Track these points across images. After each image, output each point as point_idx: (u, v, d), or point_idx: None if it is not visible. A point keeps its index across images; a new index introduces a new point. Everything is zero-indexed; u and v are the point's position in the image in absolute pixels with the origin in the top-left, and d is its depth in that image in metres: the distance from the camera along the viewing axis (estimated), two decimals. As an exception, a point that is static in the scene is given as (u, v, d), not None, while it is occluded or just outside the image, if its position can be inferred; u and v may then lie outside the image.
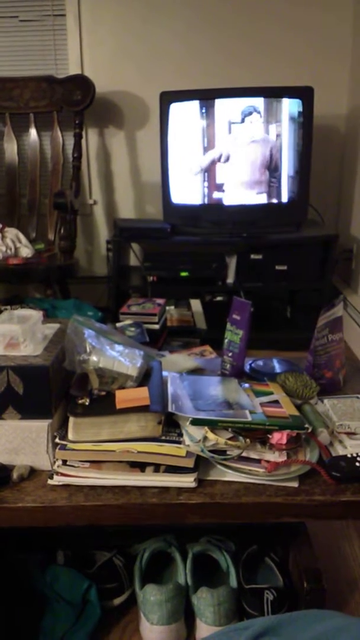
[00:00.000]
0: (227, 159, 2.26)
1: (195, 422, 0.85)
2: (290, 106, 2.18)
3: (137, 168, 2.65)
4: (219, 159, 2.25)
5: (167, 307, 2.32)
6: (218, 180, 2.28)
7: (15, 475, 0.84)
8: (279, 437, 0.86)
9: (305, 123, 2.19)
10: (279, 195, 2.29)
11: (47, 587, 1.05)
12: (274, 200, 2.29)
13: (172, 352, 1.30)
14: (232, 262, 2.34)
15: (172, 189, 2.30)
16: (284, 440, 0.86)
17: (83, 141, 2.50)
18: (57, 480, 0.83)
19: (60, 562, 1.10)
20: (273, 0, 2.41)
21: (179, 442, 0.85)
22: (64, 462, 0.84)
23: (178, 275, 2.35)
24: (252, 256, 2.30)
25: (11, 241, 2.14)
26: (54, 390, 0.86)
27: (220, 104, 2.19)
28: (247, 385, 1.02)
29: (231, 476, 0.83)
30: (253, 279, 2.33)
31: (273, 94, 2.18)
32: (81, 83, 2.31)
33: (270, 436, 0.87)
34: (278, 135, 2.22)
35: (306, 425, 0.87)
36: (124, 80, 2.53)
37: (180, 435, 0.87)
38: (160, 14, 2.44)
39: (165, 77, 2.50)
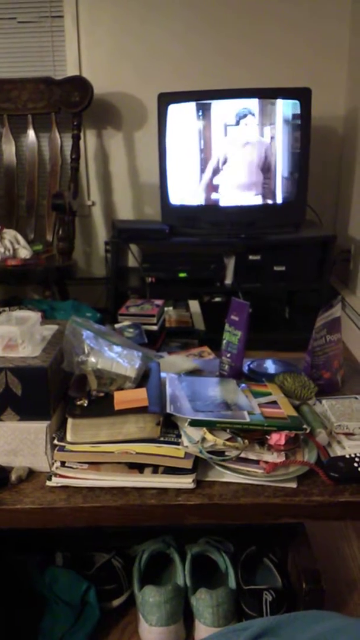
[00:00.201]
0: (225, 161, 2.26)
1: (194, 423, 0.85)
2: (287, 107, 2.19)
3: (135, 169, 2.65)
4: (217, 162, 2.25)
5: (166, 308, 2.32)
6: (216, 182, 2.28)
7: (13, 476, 0.84)
8: (278, 438, 0.86)
9: (303, 124, 2.20)
10: (277, 196, 2.29)
11: (46, 589, 1.05)
12: (272, 201, 2.30)
13: (170, 353, 1.30)
14: (230, 263, 2.34)
15: (170, 190, 2.30)
16: (283, 441, 0.86)
17: (81, 142, 2.51)
18: (55, 481, 0.83)
19: (59, 564, 1.10)
20: (271, 1, 2.42)
21: (178, 443, 0.85)
22: (63, 464, 0.84)
23: (176, 276, 2.35)
24: (251, 257, 2.31)
25: (9, 242, 2.14)
26: (52, 392, 0.86)
27: (218, 105, 2.19)
28: (245, 386, 1.02)
29: (229, 477, 0.83)
30: (251, 280, 2.34)
31: (271, 95, 2.19)
32: (79, 84, 2.31)
33: (268, 437, 0.87)
34: (273, 137, 2.22)
35: (304, 426, 0.87)
36: (122, 82, 2.53)
37: (179, 436, 0.87)
38: (158, 15, 2.45)
39: (163, 79, 2.50)
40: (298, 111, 2.18)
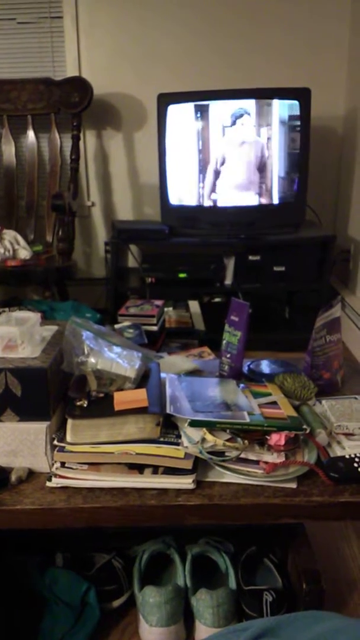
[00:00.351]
0: (224, 162, 2.26)
1: (194, 424, 0.85)
2: (285, 107, 2.19)
3: (135, 170, 2.65)
4: (216, 163, 2.26)
5: (166, 309, 2.32)
6: (215, 182, 2.28)
7: (13, 477, 0.84)
8: (277, 438, 0.86)
9: (302, 124, 2.20)
10: (276, 197, 2.29)
11: (46, 590, 1.05)
12: (272, 202, 2.30)
13: (170, 353, 1.30)
14: (230, 264, 2.34)
15: (170, 190, 2.30)
16: (282, 442, 0.86)
17: (81, 143, 2.51)
18: (55, 482, 0.83)
19: (59, 565, 1.10)
20: (271, 2, 2.42)
21: (178, 444, 0.85)
22: (63, 464, 0.84)
23: (176, 276, 2.35)
24: (250, 257, 2.31)
25: (9, 243, 2.14)
26: (52, 392, 0.86)
27: (217, 105, 2.19)
28: (245, 386, 1.02)
29: (229, 477, 0.83)
30: (251, 280, 2.34)
31: (270, 95, 2.19)
32: (79, 85, 2.31)
33: (268, 437, 0.87)
34: (271, 137, 2.22)
35: (304, 427, 0.87)
36: (122, 82, 2.53)
37: (179, 436, 0.87)
38: (157, 16, 2.45)
39: (163, 79, 2.50)
40: (297, 111, 2.18)
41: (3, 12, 2.45)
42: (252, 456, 0.85)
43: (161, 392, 0.94)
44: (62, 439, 0.86)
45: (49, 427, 0.86)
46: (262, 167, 2.26)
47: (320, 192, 2.64)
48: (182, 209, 2.33)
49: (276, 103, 2.18)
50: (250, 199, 2.30)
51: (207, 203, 2.31)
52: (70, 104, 2.32)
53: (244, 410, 0.90)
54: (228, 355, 1.11)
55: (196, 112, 2.21)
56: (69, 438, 0.85)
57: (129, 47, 2.49)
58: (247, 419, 0.87)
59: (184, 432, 0.87)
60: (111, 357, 0.92)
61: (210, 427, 0.85)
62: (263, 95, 2.19)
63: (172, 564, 1.10)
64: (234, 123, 2.21)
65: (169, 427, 0.89)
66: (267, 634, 0.57)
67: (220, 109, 2.19)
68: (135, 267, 2.52)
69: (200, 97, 2.21)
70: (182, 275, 2.34)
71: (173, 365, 1.17)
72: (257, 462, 0.85)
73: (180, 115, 2.21)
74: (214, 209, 2.32)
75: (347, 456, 0.85)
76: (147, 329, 1.33)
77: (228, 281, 2.36)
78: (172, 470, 0.83)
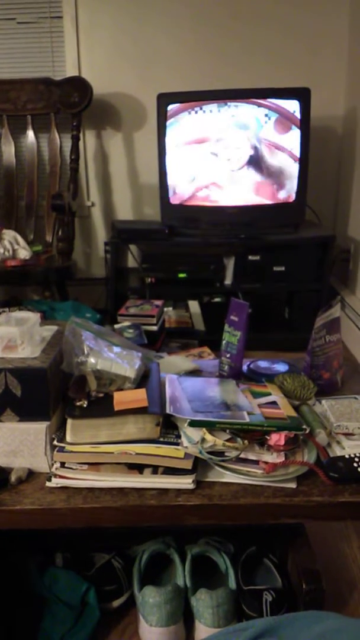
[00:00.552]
0: (223, 162, 2.26)
1: (193, 424, 0.85)
2: (286, 107, 2.19)
3: (135, 170, 2.65)
4: (216, 162, 2.25)
5: (165, 309, 2.32)
6: (215, 182, 2.28)
7: (13, 477, 0.84)
8: (277, 438, 0.86)
9: (302, 124, 2.20)
10: (276, 197, 2.29)
11: (45, 590, 1.05)
12: (272, 202, 2.30)
13: (170, 353, 1.30)
14: (230, 264, 2.34)
15: (169, 190, 2.30)
16: (282, 442, 0.86)
17: (81, 143, 2.51)
18: (55, 482, 0.83)
19: (58, 565, 1.10)
20: (270, 2, 2.42)
21: (177, 444, 0.85)
22: (62, 465, 0.84)
23: (176, 276, 2.35)
24: (250, 257, 2.31)
25: (9, 243, 2.14)
26: (52, 393, 0.86)
27: (217, 105, 2.19)
28: (245, 386, 1.02)
29: (229, 477, 0.83)
30: (251, 280, 2.34)
31: (270, 95, 2.19)
32: (78, 85, 2.31)
33: (268, 437, 0.87)
34: (272, 137, 2.22)
35: (304, 426, 0.87)
36: (121, 82, 2.53)
37: (179, 436, 0.87)
38: (157, 16, 2.45)
39: (163, 79, 2.50)
40: (297, 111, 2.18)
41: (3, 12, 2.45)
42: (251, 456, 0.85)
43: (161, 392, 0.94)
44: (62, 439, 0.86)
45: (49, 427, 0.86)
46: (262, 167, 2.26)
47: (320, 192, 2.64)
48: (182, 209, 2.33)
49: (277, 103, 2.18)
50: (250, 199, 2.30)
51: (207, 203, 2.31)
52: (70, 104, 2.32)
53: (243, 410, 0.90)
54: (228, 355, 1.11)
55: (197, 111, 2.21)
56: (68, 438, 0.85)
57: (129, 47, 2.49)
58: (247, 419, 0.87)
59: (183, 432, 0.87)
60: (111, 357, 0.92)
61: (210, 427, 0.85)
62: (263, 95, 2.19)
63: (172, 564, 1.10)
64: (235, 123, 2.21)
65: (168, 427, 0.89)
66: (267, 634, 0.57)
67: (221, 109, 2.19)
68: (135, 267, 2.52)
69: (200, 97, 2.21)
70: (182, 275, 2.34)
71: (173, 365, 1.18)
72: (256, 462, 0.85)
73: (180, 114, 2.21)
74: (214, 208, 2.32)
75: (347, 456, 0.85)
76: (147, 329, 1.33)
77: (228, 281, 2.36)
78: (171, 470, 0.83)
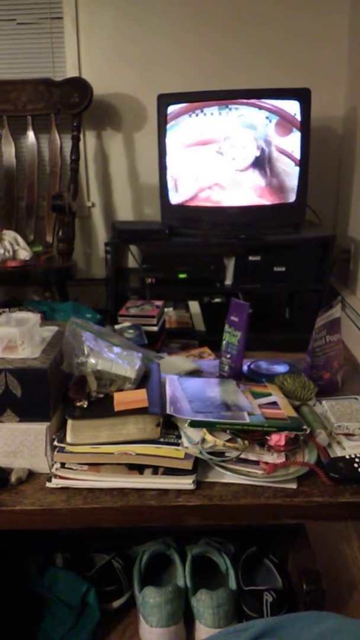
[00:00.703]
0: (224, 162, 2.26)
1: (194, 424, 0.85)
2: (287, 108, 2.19)
3: (135, 170, 2.65)
4: (216, 163, 2.25)
5: (166, 309, 2.32)
6: (215, 182, 2.28)
7: (13, 478, 0.84)
8: (278, 439, 0.86)
9: (302, 124, 2.20)
10: (277, 197, 2.29)
11: (46, 590, 1.05)
12: (272, 202, 2.30)
13: (170, 353, 1.30)
14: (230, 264, 2.34)
15: (170, 191, 2.30)
16: (283, 442, 0.86)
17: (81, 143, 2.51)
18: (55, 483, 0.83)
19: (59, 565, 1.10)
20: (269, 3, 2.42)
21: (178, 444, 0.85)
22: (63, 465, 0.84)
23: (176, 277, 2.35)
24: (250, 257, 2.31)
25: (9, 244, 2.14)
26: (52, 393, 0.86)
27: (218, 108, 2.19)
28: (245, 386, 1.02)
29: (230, 478, 0.83)
30: (251, 281, 2.34)
31: (270, 95, 2.19)
32: (79, 85, 2.31)
33: (268, 438, 0.87)
34: (272, 137, 2.22)
35: (304, 427, 0.87)
36: (122, 83, 2.53)
37: (179, 437, 0.87)
38: (157, 17, 2.45)
39: (163, 80, 2.50)
40: (298, 113, 2.18)
41: (3, 12, 2.45)
42: (252, 456, 0.85)
43: (161, 392, 0.94)
44: (62, 439, 0.86)
45: (49, 428, 0.86)
46: (262, 168, 2.26)
47: (320, 192, 2.64)
48: (182, 209, 2.33)
49: (276, 103, 2.18)
50: (251, 199, 2.30)
51: (207, 203, 2.31)
52: (70, 104, 2.32)
53: (244, 410, 0.90)
54: (228, 356, 1.11)
55: (197, 112, 2.21)
56: (69, 439, 0.85)
57: (129, 47, 2.50)
58: (247, 420, 0.87)
59: (184, 433, 0.87)
60: (111, 358, 0.92)
61: (211, 427, 0.85)
62: (263, 95, 2.19)
63: (172, 564, 1.10)
64: (236, 124, 2.21)
65: (169, 428, 0.89)
66: (268, 634, 0.57)
67: (221, 109, 2.19)
68: (135, 267, 2.52)
69: (200, 98, 2.21)
70: (182, 275, 2.34)
71: (173, 365, 1.18)
72: (257, 463, 0.85)
73: (180, 115, 2.21)
74: (214, 209, 2.32)
75: (348, 456, 0.85)
76: (147, 330, 1.33)
77: (228, 281, 2.36)
78: (172, 470, 0.83)
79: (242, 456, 0.85)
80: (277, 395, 0.98)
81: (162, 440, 0.86)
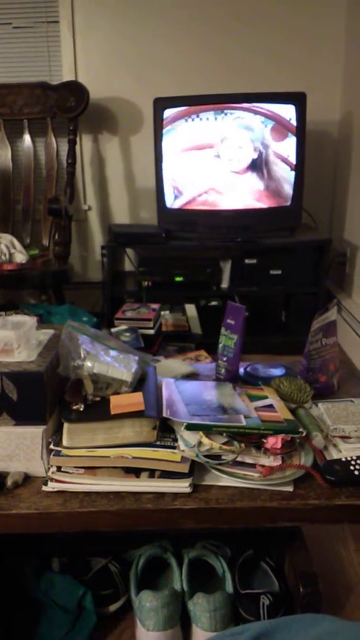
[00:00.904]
0: (220, 165, 2.27)
1: (190, 427, 0.85)
2: (282, 112, 2.20)
3: (132, 173, 2.66)
4: (212, 166, 2.26)
5: (162, 312, 2.32)
6: (212, 186, 2.29)
7: (9, 481, 0.84)
8: (274, 442, 0.86)
9: (298, 128, 2.21)
10: (273, 201, 2.30)
11: (42, 594, 1.04)
12: (268, 205, 2.30)
13: (167, 357, 1.30)
14: (226, 267, 2.35)
15: (166, 194, 2.30)
16: (279, 445, 0.86)
17: (77, 147, 2.51)
18: (51, 486, 0.83)
19: (55, 569, 1.09)
20: (267, 6, 2.43)
21: (174, 447, 0.85)
22: (59, 469, 0.84)
23: (173, 280, 2.35)
24: (247, 261, 2.31)
25: (5, 247, 2.14)
26: (48, 396, 0.86)
27: (214, 113, 2.20)
28: (241, 389, 1.02)
29: (226, 481, 0.83)
30: (247, 284, 2.34)
31: (266, 99, 2.20)
32: (75, 89, 2.32)
33: (265, 440, 0.87)
34: (268, 141, 2.23)
35: (301, 430, 0.87)
36: (118, 87, 2.54)
37: (175, 440, 0.87)
38: (154, 20, 2.46)
39: (159, 83, 2.51)
40: (294, 118, 2.19)
41: (-1, 16, 2.45)
42: (248, 459, 0.85)
43: (158, 395, 0.94)
44: (58, 443, 0.86)
45: (45, 431, 0.86)
46: (258, 171, 2.26)
47: (316, 195, 2.64)
48: (179, 213, 2.33)
49: (271, 107, 2.19)
50: (247, 203, 2.30)
51: (204, 207, 2.31)
52: (67, 108, 2.32)
53: (240, 413, 0.90)
54: (224, 359, 1.11)
55: (193, 116, 2.21)
56: (65, 442, 0.85)
57: (125, 51, 2.50)
58: (244, 422, 0.87)
59: (180, 436, 0.87)
60: (107, 361, 0.92)
61: (207, 430, 0.85)
62: (259, 99, 2.20)
63: (169, 568, 1.10)
64: (232, 127, 2.22)
65: (165, 431, 0.89)
66: (264, 637, 0.57)
67: (217, 113, 2.20)
68: (131, 270, 2.52)
69: (196, 101, 2.21)
70: (178, 278, 2.35)
71: (169, 368, 1.18)
72: (253, 466, 0.85)
73: (176, 119, 2.22)
74: (211, 212, 2.32)
75: (344, 459, 0.85)
76: (144, 333, 1.33)
77: (224, 284, 2.37)
78: (168, 474, 0.83)
79: (239, 459, 0.85)
80: (274, 398, 0.98)
81: (158, 443, 0.86)
